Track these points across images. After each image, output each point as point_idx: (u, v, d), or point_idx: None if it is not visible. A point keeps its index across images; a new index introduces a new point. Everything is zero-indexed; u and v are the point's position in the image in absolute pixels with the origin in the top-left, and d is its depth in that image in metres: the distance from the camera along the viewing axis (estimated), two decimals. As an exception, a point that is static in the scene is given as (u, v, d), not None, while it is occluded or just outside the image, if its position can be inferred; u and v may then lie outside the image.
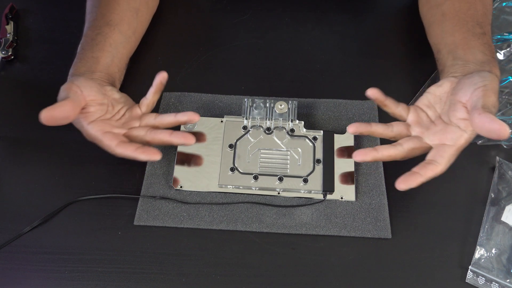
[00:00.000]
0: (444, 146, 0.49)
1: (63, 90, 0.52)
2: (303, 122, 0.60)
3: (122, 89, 0.62)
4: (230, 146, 0.58)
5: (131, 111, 0.55)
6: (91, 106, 0.53)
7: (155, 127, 0.54)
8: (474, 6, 0.60)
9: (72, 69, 0.58)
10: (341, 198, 0.56)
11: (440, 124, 0.51)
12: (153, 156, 0.50)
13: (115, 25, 0.61)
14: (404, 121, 0.53)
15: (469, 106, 0.49)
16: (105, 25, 0.61)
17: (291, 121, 0.59)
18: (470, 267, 0.51)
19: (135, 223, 0.55)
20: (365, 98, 0.63)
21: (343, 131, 0.60)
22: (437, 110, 0.53)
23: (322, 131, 0.59)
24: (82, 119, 0.52)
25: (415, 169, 0.48)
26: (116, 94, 0.56)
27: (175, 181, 0.57)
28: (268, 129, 0.59)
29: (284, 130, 0.59)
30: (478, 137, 0.59)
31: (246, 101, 0.60)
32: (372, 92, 0.53)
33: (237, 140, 0.59)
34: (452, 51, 0.58)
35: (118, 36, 0.62)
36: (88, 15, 0.63)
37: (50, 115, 0.48)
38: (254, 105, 0.60)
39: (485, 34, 0.58)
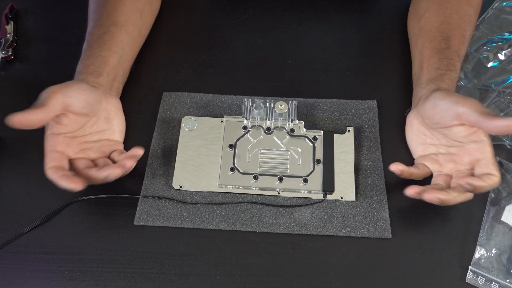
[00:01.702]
0: (483, 160, 0.51)
1: (46, 93, 0.51)
2: (303, 122, 0.60)
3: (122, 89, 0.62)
4: (230, 146, 0.58)
5: (110, 146, 0.57)
6: (67, 117, 0.52)
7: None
8: (448, 19, 0.60)
9: (80, 65, 0.57)
10: (341, 198, 0.56)
11: (459, 150, 0.53)
12: (74, 185, 0.49)
13: (121, 25, 0.61)
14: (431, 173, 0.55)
15: (466, 122, 0.50)
16: (112, 25, 0.61)
17: (291, 121, 0.59)
18: (470, 267, 0.51)
19: (135, 223, 0.55)
20: (365, 97, 0.64)
21: (343, 131, 0.60)
22: (438, 142, 0.55)
23: (322, 131, 0.59)
24: (49, 126, 0.52)
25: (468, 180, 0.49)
26: (112, 113, 0.57)
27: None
28: (268, 129, 0.59)
29: (284, 130, 0.59)
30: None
31: (246, 101, 0.60)
32: (396, 168, 0.53)
33: (237, 140, 0.59)
34: (417, 72, 0.60)
35: (125, 36, 0.62)
36: (92, 14, 0.63)
37: (19, 120, 0.48)
38: (254, 105, 0.60)
39: (449, 48, 0.58)
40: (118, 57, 0.60)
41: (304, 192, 0.56)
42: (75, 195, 0.57)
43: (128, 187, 0.57)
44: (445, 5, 0.61)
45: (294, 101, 0.60)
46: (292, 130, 0.59)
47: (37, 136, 0.62)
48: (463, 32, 0.60)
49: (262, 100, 0.60)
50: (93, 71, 0.57)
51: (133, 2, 0.64)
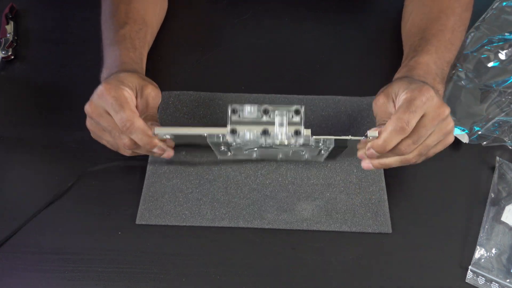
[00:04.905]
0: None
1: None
2: (310, 131, 0.47)
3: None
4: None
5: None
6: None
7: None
8: (427, 15, 0.60)
9: (129, 53, 0.57)
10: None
11: None
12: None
13: (148, 25, 0.62)
14: None
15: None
16: (143, 23, 0.61)
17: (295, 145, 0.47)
18: (470, 267, 0.51)
19: (137, 222, 0.54)
20: (364, 94, 0.64)
21: (344, 130, 0.60)
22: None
23: (333, 143, 0.49)
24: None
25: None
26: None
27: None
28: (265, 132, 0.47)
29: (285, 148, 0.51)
30: (482, 138, 0.59)
31: (231, 136, 0.45)
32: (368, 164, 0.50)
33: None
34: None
35: (150, 38, 0.63)
36: (116, 5, 0.61)
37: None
38: (239, 140, 0.45)
39: (422, 38, 0.58)
40: (145, 57, 0.61)
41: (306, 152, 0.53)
42: (75, 194, 0.56)
43: (128, 187, 0.57)
44: (426, 3, 0.62)
45: (299, 134, 0.45)
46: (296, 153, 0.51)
47: (37, 136, 0.62)
48: (443, 22, 0.59)
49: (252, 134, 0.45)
50: (137, 62, 0.58)
51: (154, 4, 0.65)
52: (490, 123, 0.60)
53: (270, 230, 0.54)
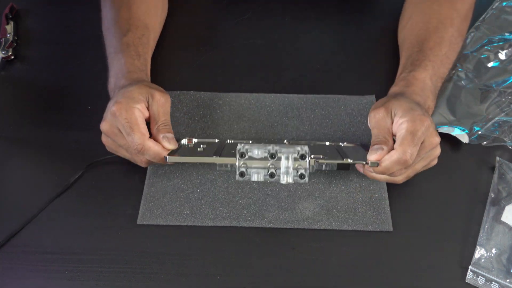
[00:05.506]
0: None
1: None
2: (314, 162, 0.50)
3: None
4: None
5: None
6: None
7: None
8: (426, 24, 0.61)
9: (133, 61, 0.58)
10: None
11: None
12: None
13: (150, 29, 0.63)
14: None
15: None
16: (145, 28, 0.62)
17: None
18: (470, 267, 0.51)
19: (139, 222, 0.54)
20: (364, 94, 0.64)
21: (344, 129, 0.60)
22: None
23: (335, 166, 0.54)
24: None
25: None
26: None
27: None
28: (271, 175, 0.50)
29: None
30: (482, 138, 0.59)
31: (239, 178, 0.49)
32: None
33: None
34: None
35: (153, 43, 0.64)
36: (116, 12, 0.62)
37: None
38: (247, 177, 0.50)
39: (420, 50, 0.58)
40: (149, 61, 0.62)
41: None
42: (75, 194, 0.56)
43: (129, 186, 0.57)
44: (426, 11, 0.62)
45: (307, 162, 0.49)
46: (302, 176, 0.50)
47: (37, 136, 0.62)
48: (441, 34, 0.59)
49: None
50: (142, 70, 0.59)
51: (155, 7, 0.65)
52: (490, 123, 0.60)
53: (271, 229, 0.54)
